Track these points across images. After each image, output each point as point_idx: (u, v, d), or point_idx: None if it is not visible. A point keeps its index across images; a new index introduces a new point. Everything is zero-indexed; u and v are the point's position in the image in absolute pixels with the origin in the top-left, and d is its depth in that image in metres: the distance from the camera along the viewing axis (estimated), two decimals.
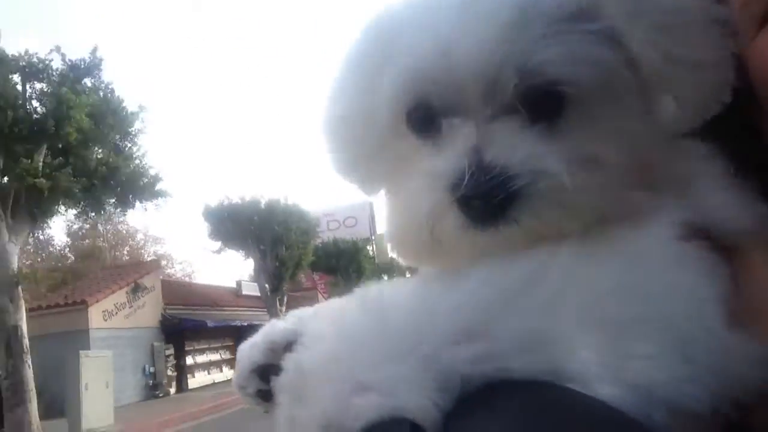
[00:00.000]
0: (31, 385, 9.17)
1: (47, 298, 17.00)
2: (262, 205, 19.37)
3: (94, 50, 10.20)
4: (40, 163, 9.25)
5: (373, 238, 30.40)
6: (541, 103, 0.51)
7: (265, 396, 0.61)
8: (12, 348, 9.09)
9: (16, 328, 9.15)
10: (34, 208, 9.55)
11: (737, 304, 0.45)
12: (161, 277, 20.73)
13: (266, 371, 0.61)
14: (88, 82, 10.20)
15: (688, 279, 0.44)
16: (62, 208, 10.39)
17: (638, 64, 0.52)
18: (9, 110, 8.92)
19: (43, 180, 8.99)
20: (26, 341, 9.27)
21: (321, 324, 0.45)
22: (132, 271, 19.00)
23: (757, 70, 0.56)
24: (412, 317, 0.42)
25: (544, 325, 0.42)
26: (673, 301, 0.44)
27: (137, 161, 10.88)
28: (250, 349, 0.64)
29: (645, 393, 0.40)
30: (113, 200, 10.90)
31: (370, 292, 0.47)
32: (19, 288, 9.41)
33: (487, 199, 0.49)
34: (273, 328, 0.64)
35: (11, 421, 9.00)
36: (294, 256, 19.65)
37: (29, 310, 10.78)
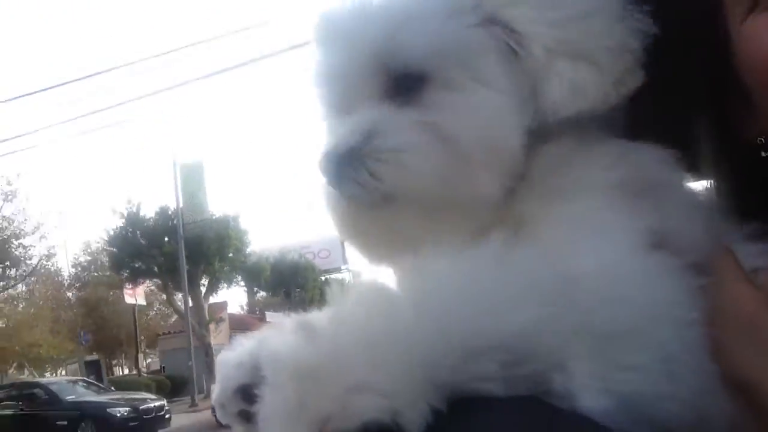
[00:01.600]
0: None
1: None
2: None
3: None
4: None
5: (344, 267, 32.74)
6: (408, 86, 0.57)
7: (247, 416, 0.60)
8: (208, 354, 20.37)
9: (209, 344, 21.11)
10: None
11: (713, 324, 0.46)
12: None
13: (250, 390, 0.58)
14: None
15: (670, 295, 0.46)
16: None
17: (520, 51, 0.56)
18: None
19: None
20: (213, 350, 20.26)
21: (315, 327, 0.45)
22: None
23: (744, 56, 0.57)
24: (406, 321, 0.42)
25: (533, 334, 0.42)
26: (661, 319, 0.45)
27: None
28: (235, 369, 0.62)
29: (631, 406, 0.41)
30: None
31: (368, 296, 0.47)
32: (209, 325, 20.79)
33: (337, 178, 0.57)
34: (260, 345, 0.61)
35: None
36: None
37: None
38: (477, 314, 0.42)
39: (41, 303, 26.96)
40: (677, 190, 0.57)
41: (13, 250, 22.96)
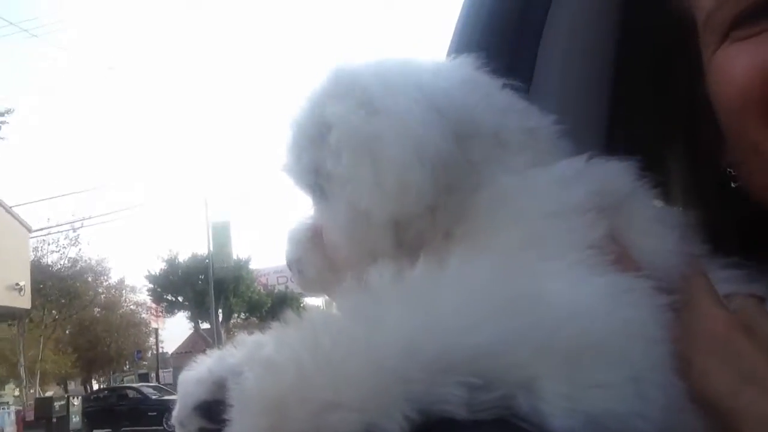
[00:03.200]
0: None
1: None
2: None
3: None
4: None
5: None
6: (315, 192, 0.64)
7: None
8: None
9: None
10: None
11: (684, 343, 0.46)
12: None
13: (210, 408, 0.58)
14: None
15: (640, 315, 0.45)
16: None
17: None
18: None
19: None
20: None
21: (281, 348, 0.43)
22: None
23: (714, 87, 0.57)
24: (367, 340, 0.42)
25: (497, 352, 0.41)
26: (628, 337, 0.43)
27: None
28: (195, 385, 0.60)
29: (599, 426, 0.40)
30: None
31: (322, 318, 0.47)
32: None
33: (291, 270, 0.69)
34: (220, 362, 0.60)
35: None
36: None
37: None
38: (439, 332, 0.41)
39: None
40: (645, 206, 0.56)
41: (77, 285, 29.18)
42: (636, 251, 0.52)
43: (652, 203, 0.57)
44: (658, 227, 0.55)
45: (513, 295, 0.44)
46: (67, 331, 28.17)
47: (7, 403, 22.78)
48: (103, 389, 26.45)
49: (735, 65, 0.55)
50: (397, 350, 0.40)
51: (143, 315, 33.37)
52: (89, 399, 22.31)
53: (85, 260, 29.75)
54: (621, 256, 0.51)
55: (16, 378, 26.98)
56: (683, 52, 0.63)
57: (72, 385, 34.01)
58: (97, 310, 30.41)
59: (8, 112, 13.09)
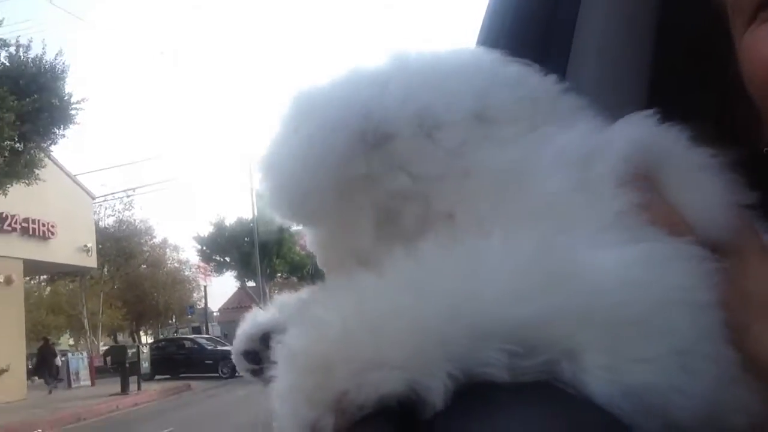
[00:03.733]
0: None
1: None
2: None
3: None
4: None
5: None
6: None
7: (256, 373, 0.73)
8: None
9: None
10: None
11: (737, 308, 0.43)
12: None
13: (256, 354, 0.73)
14: None
15: (684, 281, 0.43)
16: None
17: None
18: None
19: None
20: None
21: (327, 309, 0.43)
22: None
23: (745, 68, 0.57)
24: (409, 302, 0.41)
25: (539, 324, 0.40)
26: (672, 306, 0.41)
27: None
28: (243, 337, 0.75)
29: (641, 399, 0.39)
30: None
31: (363, 281, 0.45)
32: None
33: None
34: (253, 320, 0.76)
35: None
36: None
37: None
38: (482, 301, 0.41)
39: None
40: (688, 159, 0.52)
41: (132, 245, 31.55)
42: (684, 209, 0.48)
43: (695, 152, 0.51)
44: (704, 179, 0.51)
45: (553, 268, 0.42)
46: (115, 286, 30.23)
47: (75, 349, 25.35)
48: (162, 339, 29.06)
49: (764, 45, 0.55)
50: (440, 314, 0.40)
51: (186, 273, 35.69)
52: (151, 348, 24.64)
53: (137, 223, 32.08)
54: (669, 218, 0.47)
55: (74, 329, 29.80)
56: (715, 35, 0.62)
57: (120, 337, 36.75)
58: (143, 267, 32.60)
59: (83, 100, 14.69)
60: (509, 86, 0.58)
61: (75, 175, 21.97)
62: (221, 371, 22.66)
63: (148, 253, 32.90)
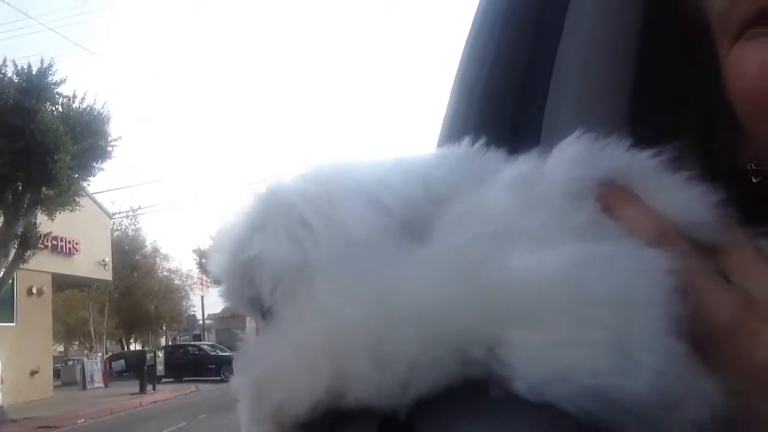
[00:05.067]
0: None
1: None
2: None
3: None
4: None
5: None
6: None
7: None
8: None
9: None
10: None
11: (742, 313, 0.41)
12: None
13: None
14: None
15: (632, 280, 0.40)
16: None
17: None
18: None
19: None
20: None
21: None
22: None
23: (732, 85, 0.57)
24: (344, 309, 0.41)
25: (460, 315, 0.39)
26: (611, 302, 0.39)
27: None
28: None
29: (576, 383, 0.37)
30: None
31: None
32: None
33: None
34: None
35: None
36: None
37: None
38: (403, 292, 0.41)
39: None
40: (665, 178, 0.49)
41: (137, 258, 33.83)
42: (665, 212, 0.46)
43: (649, 162, 0.50)
44: (671, 183, 0.49)
45: (473, 265, 0.41)
46: (116, 296, 31.69)
47: (88, 354, 27.62)
48: (168, 346, 31.41)
49: (749, 62, 0.55)
50: (363, 309, 0.41)
51: (177, 281, 37.68)
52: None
53: (141, 239, 34.41)
54: (645, 223, 0.45)
55: (81, 336, 31.93)
56: (697, 52, 0.63)
57: (108, 345, 38.36)
58: (135, 275, 34.14)
59: (120, 138, 17.33)
60: (446, 165, 0.54)
61: (93, 194, 24.35)
62: (223, 375, 25.07)
63: (140, 260, 34.93)
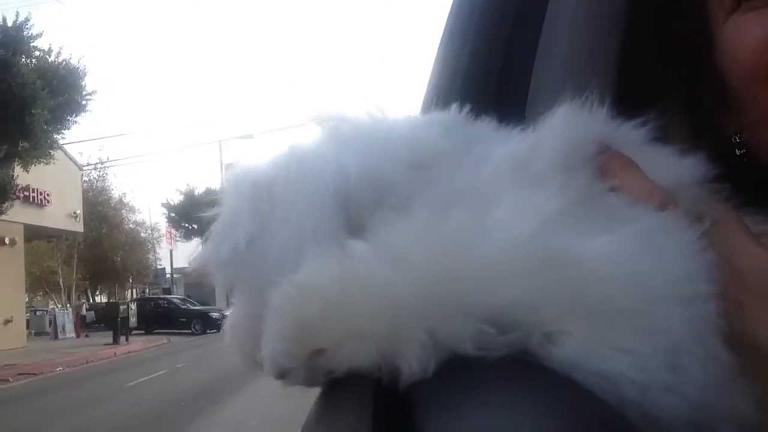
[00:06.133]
0: None
1: None
2: None
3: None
4: None
5: None
6: None
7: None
8: None
9: None
10: None
11: (730, 286, 0.40)
12: None
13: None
14: None
15: (682, 269, 0.40)
16: None
17: None
18: None
19: None
20: None
21: (312, 278, 0.42)
22: None
23: (730, 56, 0.57)
24: (398, 279, 0.40)
25: (526, 310, 0.39)
26: (668, 300, 0.39)
27: None
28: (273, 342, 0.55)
29: (614, 387, 0.37)
30: None
31: (366, 252, 0.43)
32: None
33: None
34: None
35: None
36: None
37: None
38: (465, 281, 0.40)
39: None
40: (653, 146, 0.50)
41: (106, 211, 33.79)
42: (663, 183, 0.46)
43: (636, 131, 0.50)
44: (658, 154, 0.49)
45: (541, 253, 0.40)
46: (80, 247, 31.47)
47: (57, 306, 27.88)
48: (138, 298, 31.76)
49: (747, 35, 0.55)
50: (420, 290, 0.39)
51: (143, 234, 37.60)
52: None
53: (109, 191, 34.38)
54: (650, 190, 0.45)
55: (48, 287, 31.99)
56: (687, 21, 0.63)
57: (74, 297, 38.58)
58: (103, 227, 33.78)
59: (94, 92, 17.35)
60: (437, 132, 0.54)
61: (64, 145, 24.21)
62: (194, 328, 25.72)
63: (109, 214, 34.70)
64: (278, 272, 0.46)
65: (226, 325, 0.57)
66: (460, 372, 0.38)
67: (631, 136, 0.51)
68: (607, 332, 0.38)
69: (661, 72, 0.67)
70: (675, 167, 0.49)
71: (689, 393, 0.37)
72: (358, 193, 0.50)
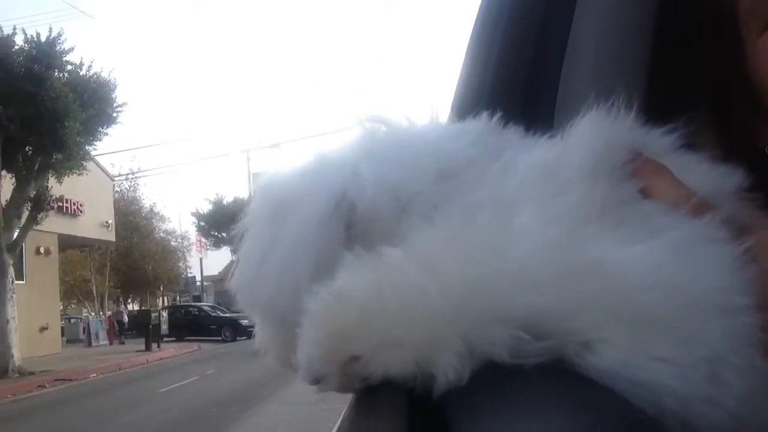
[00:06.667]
0: None
1: None
2: None
3: None
4: None
5: None
6: None
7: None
8: None
9: None
10: None
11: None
12: None
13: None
14: None
15: (722, 280, 0.39)
16: None
17: None
18: None
19: None
20: None
21: (349, 286, 0.42)
22: None
23: (760, 71, 0.58)
24: (434, 289, 0.39)
25: (564, 317, 0.38)
26: (709, 311, 0.38)
27: None
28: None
29: (654, 396, 0.36)
30: None
31: (403, 260, 0.42)
32: None
33: None
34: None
35: None
36: None
37: None
38: (502, 288, 0.39)
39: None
40: (685, 154, 0.49)
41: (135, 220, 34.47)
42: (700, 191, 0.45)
43: (666, 138, 0.50)
44: (691, 162, 0.49)
45: (578, 260, 0.40)
46: (113, 256, 32.09)
47: (91, 313, 28.49)
48: (170, 306, 32.42)
49: None
50: (456, 297, 0.39)
51: (173, 243, 38.17)
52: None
53: (140, 201, 35.11)
54: (686, 197, 0.44)
55: (82, 295, 32.71)
56: (717, 35, 0.63)
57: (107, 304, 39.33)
58: (134, 236, 34.47)
59: (125, 104, 17.74)
60: (464, 141, 0.54)
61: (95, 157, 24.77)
62: (224, 335, 25.99)
63: (140, 224, 35.38)
64: (277, 291, 0.51)
65: (257, 337, 0.59)
66: (495, 380, 0.37)
67: (661, 143, 0.50)
68: (646, 341, 0.38)
69: (689, 82, 0.67)
70: (709, 175, 0.48)
71: (729, 405, 0.37)
72: (374, 204, 0.52)
